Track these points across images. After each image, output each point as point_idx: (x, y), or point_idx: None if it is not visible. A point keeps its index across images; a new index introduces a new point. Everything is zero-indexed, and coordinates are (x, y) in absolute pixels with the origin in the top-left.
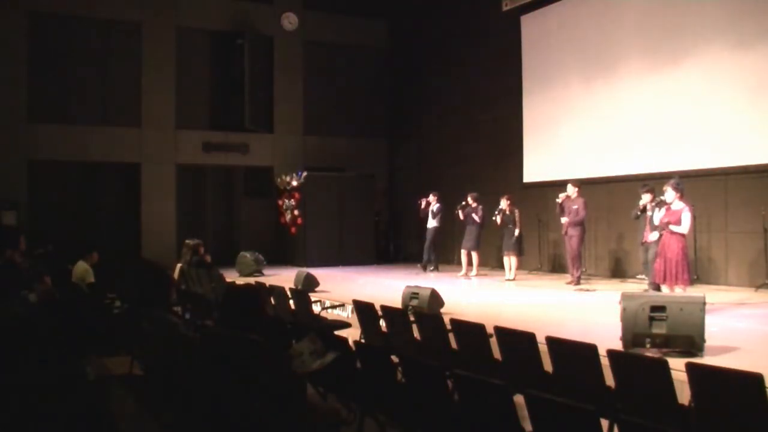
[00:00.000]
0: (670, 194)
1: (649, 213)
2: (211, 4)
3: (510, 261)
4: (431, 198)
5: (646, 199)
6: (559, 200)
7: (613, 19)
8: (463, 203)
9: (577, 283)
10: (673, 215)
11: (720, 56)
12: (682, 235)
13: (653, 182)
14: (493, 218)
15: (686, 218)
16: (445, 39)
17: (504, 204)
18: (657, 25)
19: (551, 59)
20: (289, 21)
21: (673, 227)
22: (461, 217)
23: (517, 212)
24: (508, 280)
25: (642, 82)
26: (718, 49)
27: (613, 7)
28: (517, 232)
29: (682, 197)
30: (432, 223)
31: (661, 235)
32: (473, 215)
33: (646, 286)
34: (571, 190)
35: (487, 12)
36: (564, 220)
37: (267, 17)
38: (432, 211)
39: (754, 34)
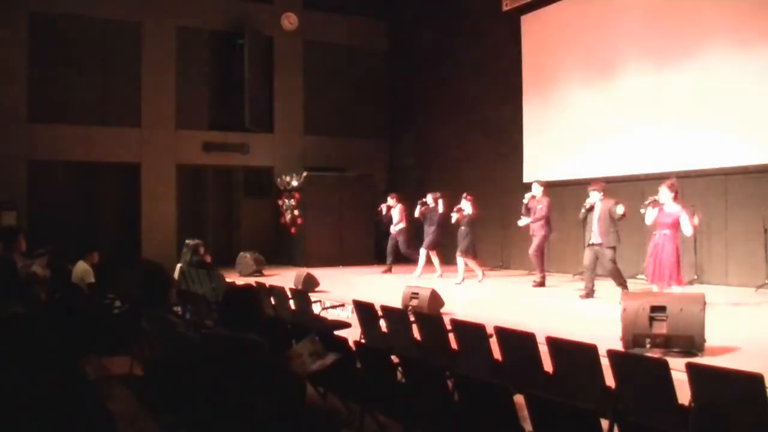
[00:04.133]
0: (664, 194)
1: (642, 211)
2: (211, 4)
3: (465, 262)
4: (390, 201)
5: (594, 197)
6: (525, 200)
7: (614, 19)
8: (423, 200)
9: (542, 284)
10: (669, 217)
11: (720, 56)
12: (676, 236)
13: (653, 182)
14: (451, 214)
15: (685, 221)
16: (445, 39)
17: (464, 203)
18: (657, 25)
19: (551, 59)
20: (289, 21)
21: (683, 227)
22: (417, 214)
23: (475, 214)
24: (458, 283)
25: (642, 82)
26: (718, 49)
27: (614, 7)
28: (469, 235)
29: (676, 198)
30: (398, 225)
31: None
32: (432, 215)
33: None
34: (537, 190)
35: (487, 12)
36: (524, 220)
37: (267, 17)
38: (394, 213)
39: (754, 34)
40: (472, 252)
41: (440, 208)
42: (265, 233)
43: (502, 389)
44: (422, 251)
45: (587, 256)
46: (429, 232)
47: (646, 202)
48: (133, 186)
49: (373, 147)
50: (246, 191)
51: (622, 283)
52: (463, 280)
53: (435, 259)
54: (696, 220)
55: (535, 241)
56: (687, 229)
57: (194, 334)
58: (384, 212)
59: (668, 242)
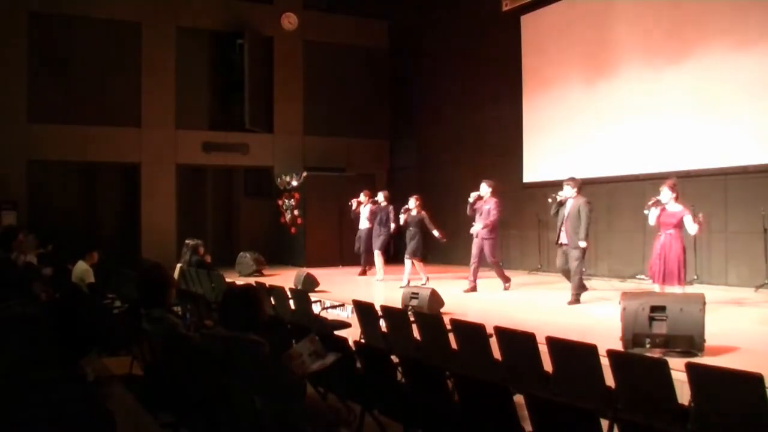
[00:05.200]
0: (665, 194)
1: (646, 212)
2: (211, 4)
3: (412, 265)
4: (362, 198)
5: (568, 192)
6: (470, 200)
7: (614, 19)
8: (375, 199)
9: (508, 286)
10: (672, 218)
11: (720, 56)
12: (681, 235)
13: (653, 182)
14: (399, 215)
15: (689, 220)
16: (445, 39)
17: (412, 204)
18: (657, 25)
19: (551, 59)
20: (289, 21)
21: (688, 227)
22: (367, 214)
23: (425, 215)
24: (402, 287)
25: (642, 82)
26: (719, 49)
27: (614, 7)
28: (417, 237)
29: (678, 198)
30: (365, 224)
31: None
32: (384, 215)
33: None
34: (485, 190)
35: (487, 12)
36: (478, 226)
37: (267, 17)
38: (365, 211)
39: (755, 34)
40: (419, 254)
41: (391, 213)
42: (265, 233)
43: (502, 389)
44: (377, 253)
45: (558, 258)
46: (379, 233)
47: (650, 203)
48: (133, 186)
49: (373, 147)
50: (246, 191)
51: (577, 291)
52: (408, 282)
53: (379, 262)
54: (701, 217)
55: (487, 248)
56: (691, 229)
57: (194, 334)
58: (354, 207)
59: (675, 242)
